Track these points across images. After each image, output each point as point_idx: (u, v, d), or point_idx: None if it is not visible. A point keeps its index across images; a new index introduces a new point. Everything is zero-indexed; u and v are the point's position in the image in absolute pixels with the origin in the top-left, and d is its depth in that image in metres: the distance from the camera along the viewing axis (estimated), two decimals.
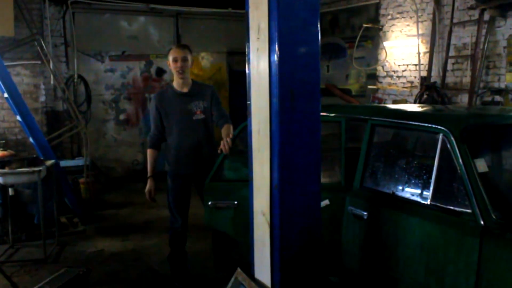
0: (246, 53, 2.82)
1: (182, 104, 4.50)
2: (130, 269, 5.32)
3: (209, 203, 4.30)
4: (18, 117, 6.51)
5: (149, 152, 4.63)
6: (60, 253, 5.83)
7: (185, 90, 4.52)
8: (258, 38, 2.68)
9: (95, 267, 5.13)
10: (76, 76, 9.06)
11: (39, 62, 8.31)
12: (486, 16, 6.76)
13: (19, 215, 6.17)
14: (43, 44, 7.88)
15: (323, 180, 3.03)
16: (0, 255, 5.65)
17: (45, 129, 8.43)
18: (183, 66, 4.44)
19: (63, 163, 7.31)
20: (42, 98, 8.67)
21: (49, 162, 5.90)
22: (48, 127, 8.66)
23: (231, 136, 4.24)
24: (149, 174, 4.60)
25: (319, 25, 2.74)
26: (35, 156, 6.16)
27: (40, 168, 5.51)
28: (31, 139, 6.60)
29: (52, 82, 8.65)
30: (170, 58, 4.46)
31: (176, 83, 4.55)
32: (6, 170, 5.44)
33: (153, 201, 4.65)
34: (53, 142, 7.56)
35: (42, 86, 8.63)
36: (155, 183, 4.59)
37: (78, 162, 8.18)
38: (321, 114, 2.85)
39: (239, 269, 3.03)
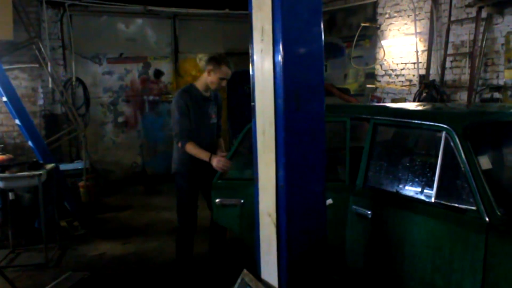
0: (250, 54, 2.81)
1: (204, 107, 4.67)
2: (133, 272, 5.30)
3: (217, 200, 4.35)
4: (17, 121, 6.48)
5: (191, 144, 4.47)
6: (61, 257, 5.80)
7: (207, 94, 4.70)
8: (262, 40, 2.68)
9: (97, 271, 5.11)
10: (74, 79, 9.02)
11: (37, 65, 8.28)
12: (484, 14, 6.77)
13: (20, 219, 6.15)
14: (41, 47, 7.85)
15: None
16: (1, 260, 5.62)
17: (43, 132, 8.38)
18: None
19: (62, 167, 7.28)
20: (40, 102, 8.64)
21: (49, 166, 5.87)
22: (47, 130, 8.60)
23: (225, 154, 4.48)
24: (209, 155, 4.39)
25: (322, 25, 2.74)
26: (35, 160, 6.12)
27: (41, 172, 5.49)
28: (30, 143, 6.58)
29: (50, 85, 8.63)
30: (217, 74, 4.51)
31: (201, 86, 4.65)
32: (7, 174, 5.41)
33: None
34: (51, 146, 7.53)
35: (40, 90, 8.60)
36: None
37: (77, 165, 8.17)
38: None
39: (245, 270, 3.02)
